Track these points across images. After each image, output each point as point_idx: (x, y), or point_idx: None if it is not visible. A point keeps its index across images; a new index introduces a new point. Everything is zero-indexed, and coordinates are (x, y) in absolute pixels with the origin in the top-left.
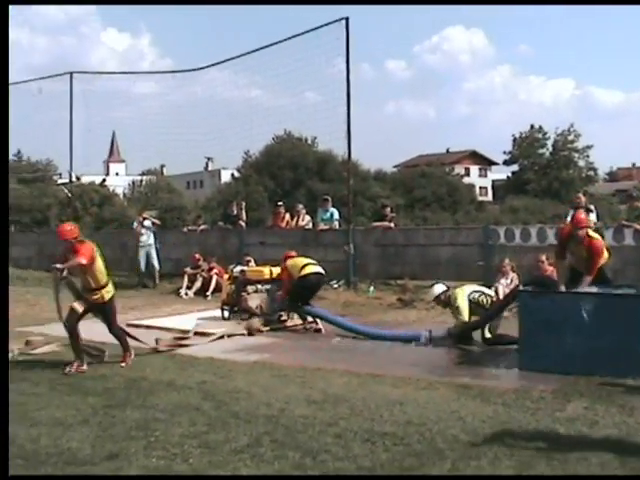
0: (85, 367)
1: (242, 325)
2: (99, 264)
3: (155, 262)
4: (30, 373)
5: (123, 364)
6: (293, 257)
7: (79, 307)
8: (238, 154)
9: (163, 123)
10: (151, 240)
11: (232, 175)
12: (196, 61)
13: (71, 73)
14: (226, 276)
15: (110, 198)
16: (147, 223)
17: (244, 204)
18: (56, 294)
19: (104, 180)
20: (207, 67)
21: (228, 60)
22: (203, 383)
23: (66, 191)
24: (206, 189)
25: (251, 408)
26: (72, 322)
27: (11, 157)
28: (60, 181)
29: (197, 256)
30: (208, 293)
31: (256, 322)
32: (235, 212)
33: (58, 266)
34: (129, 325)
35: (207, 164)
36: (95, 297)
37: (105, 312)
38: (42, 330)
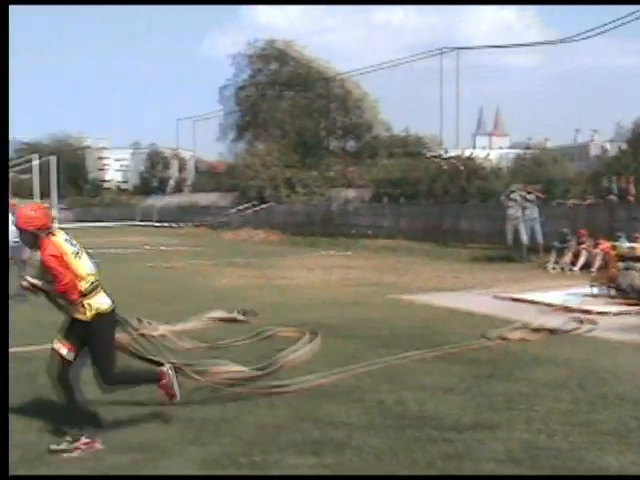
0: (99, 445)
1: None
2: (73, 262)
3: (539, 236)
4: (415, 340)
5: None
6: None
7: (62, 346)
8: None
9: (543, 95)
10: (535, 214)
11: (619, 148)
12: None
13: (457, 49)
14: (613, 253)
15: (492, 172)
16: (531, 197)
17: (632, 178)
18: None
19: (487, 154)
20: (588, 37)
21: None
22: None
23: (453, 164)
24: (582, 162)
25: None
26: (56, 373)
27: (399, 132)
28: (448, 154)
29: (582, 231)
30: (575, 268)
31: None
32: (623, 186)
33: (24, 284)
34: (513, 299)
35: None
36: (77, 313)
37: (89, 338)
38: (420, 299)
